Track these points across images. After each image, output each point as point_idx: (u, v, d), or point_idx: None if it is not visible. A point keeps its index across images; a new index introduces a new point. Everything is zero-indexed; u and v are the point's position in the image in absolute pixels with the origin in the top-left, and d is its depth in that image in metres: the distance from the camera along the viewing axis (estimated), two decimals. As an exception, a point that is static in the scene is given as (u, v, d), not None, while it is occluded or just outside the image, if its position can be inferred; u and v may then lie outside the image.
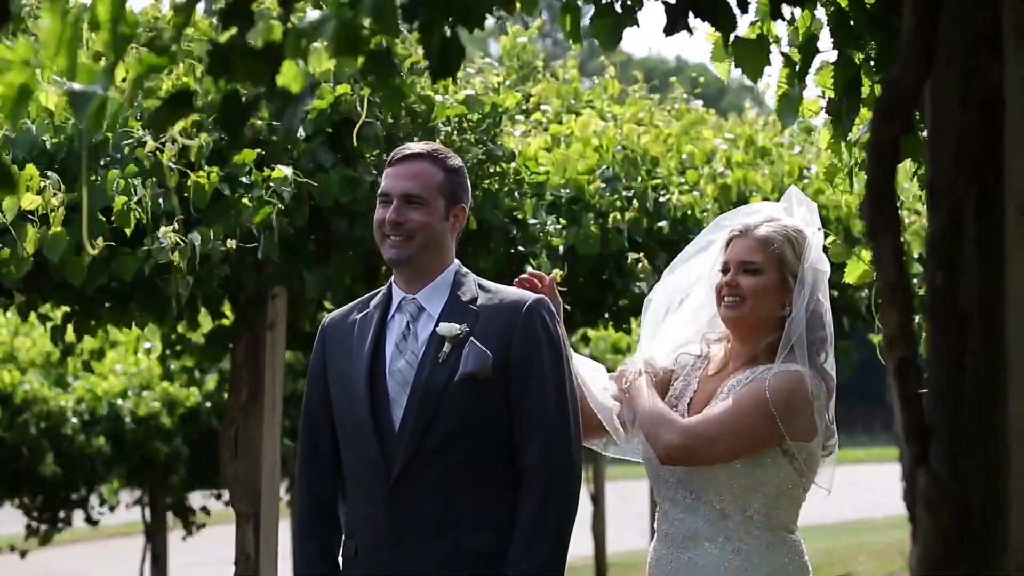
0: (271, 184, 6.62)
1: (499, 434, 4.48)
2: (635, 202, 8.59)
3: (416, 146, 4.61)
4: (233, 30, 2.73)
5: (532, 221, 7.75)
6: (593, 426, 4.66)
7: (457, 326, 4.48)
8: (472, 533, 4.45)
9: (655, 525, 4.71)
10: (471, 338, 4.47)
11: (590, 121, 8.92)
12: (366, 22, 2.77)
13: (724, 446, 4.47)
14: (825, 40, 3.99)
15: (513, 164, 7.63)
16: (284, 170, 6.63)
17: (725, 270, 4.63)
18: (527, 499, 4.44)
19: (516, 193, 7.68)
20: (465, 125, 7.30)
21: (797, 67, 4.07)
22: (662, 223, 8.75)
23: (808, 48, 4.03)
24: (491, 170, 7.49)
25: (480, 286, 4.57)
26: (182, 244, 6.31)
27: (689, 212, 8.93)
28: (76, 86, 2.73)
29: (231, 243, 6.49)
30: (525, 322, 4.49)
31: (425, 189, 4.52)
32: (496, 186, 7.54)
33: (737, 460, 4.49)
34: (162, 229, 6.30)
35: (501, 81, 7.99)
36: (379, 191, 4.59)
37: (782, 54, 4.03)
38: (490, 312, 4.50)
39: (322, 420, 4.64)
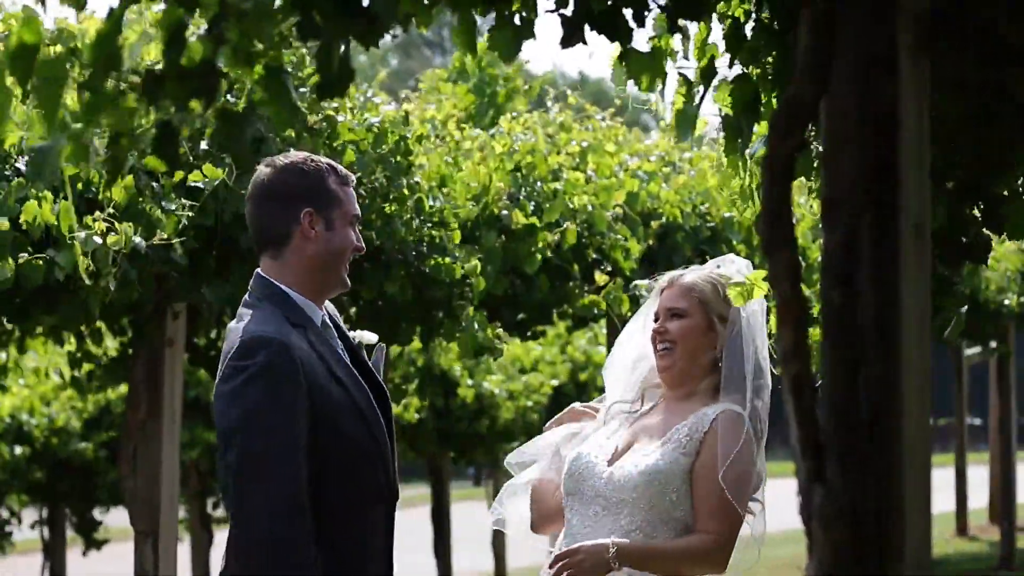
0: (195, 186, 6.56)
1: None
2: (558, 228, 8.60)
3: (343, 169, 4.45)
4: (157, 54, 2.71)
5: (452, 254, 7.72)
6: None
7: (372, 333, 4.52)
8: None
9: (558, 539, 4.74)
10: (379, 343, 4.50)
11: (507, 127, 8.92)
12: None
13: (741, 512, 4.64)
14: (722, 54, 4.01)
15: (416, 195, 7.57)
16: (204, 172, 6.57)
17: (656, 319, 4.80)
18: None
19: (416, 221, 7.61)
20: (368, 156, 7.27)
21: (695, 87, 4.09)
22: (562, 221, 8.71)
23: (707, 69, 4.04)
24: (391, 196, 7.44)
25: None
26: (115, 232, 6.22)
27: (595, 222, 8.91)
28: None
29: (162, 234, 6.42)
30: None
31: None
32: (397, 211, 7.47)
33: (655, 495, 4.56)
34: (88, 220, 6.19)
35: (412, 109, 7.99)
36: (352, 212, 4.36)
37: (679, 72, 4.05)
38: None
39: (304, 461, 4.19)
